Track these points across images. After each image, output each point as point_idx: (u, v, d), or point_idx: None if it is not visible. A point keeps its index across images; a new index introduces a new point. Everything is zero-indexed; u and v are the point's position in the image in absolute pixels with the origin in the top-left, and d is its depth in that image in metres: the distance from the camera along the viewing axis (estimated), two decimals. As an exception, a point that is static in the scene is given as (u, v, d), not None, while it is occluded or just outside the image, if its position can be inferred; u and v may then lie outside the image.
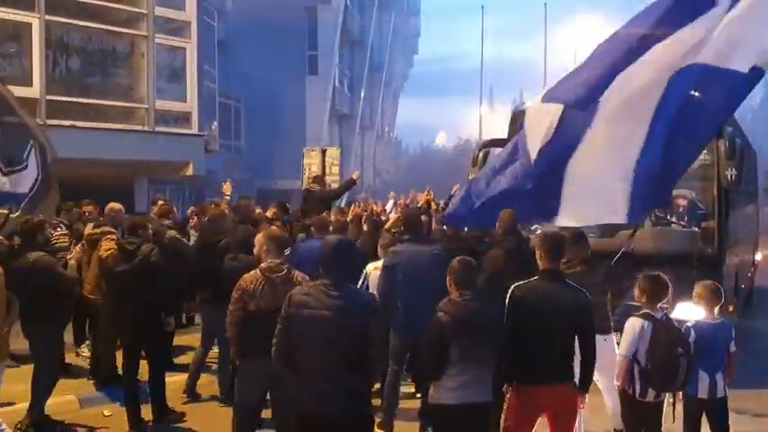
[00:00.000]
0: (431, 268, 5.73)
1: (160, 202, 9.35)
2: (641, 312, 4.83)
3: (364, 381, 3.98)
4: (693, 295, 5.19)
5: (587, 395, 4.54)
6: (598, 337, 4.75)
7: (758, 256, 14.38)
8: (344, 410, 3.81)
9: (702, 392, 4.95)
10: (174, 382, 7.11)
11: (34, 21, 12.81)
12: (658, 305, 4.85)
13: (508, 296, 4.40)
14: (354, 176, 11.27)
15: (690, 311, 5.41)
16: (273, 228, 6.34)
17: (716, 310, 5.10)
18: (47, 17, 12.92)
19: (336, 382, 3.80)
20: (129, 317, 6.18)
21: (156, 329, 6.37)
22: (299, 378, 3.91)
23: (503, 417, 4.50)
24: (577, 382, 4.45)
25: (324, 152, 14.14)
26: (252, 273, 4.86)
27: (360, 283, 6.55)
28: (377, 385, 5.73)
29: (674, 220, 8.11)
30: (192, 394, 7.15)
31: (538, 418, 4.49)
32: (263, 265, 4.88)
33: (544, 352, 4.32)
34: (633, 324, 4.75)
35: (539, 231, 7.14)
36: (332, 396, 3.80)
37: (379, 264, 6.56)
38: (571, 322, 4.37)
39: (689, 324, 5.01)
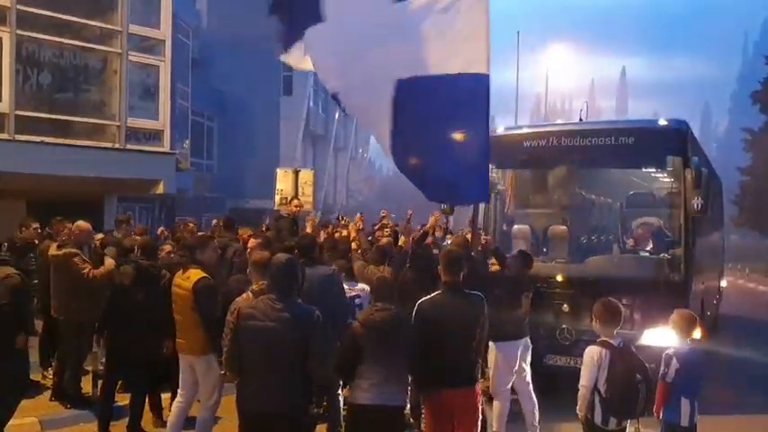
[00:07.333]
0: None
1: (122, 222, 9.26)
2: (598, 340, 4.84)
3: (305, 384, 4.30)
4: (669, 322, 5.22)
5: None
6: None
7: (723, 283, 14.66)
8: (285, 410, 4.20)
9: (684, 420, 4.95)
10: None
11: (5, 35, 12.61)
12: (614, 331, 4.84)
13: (415, 310, 4.80)
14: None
15: (664, 338, 5.45)
16: (258, 252, 6.28)
17: (690, 337, 5.16)
18: (18, 31, 12.73)
19: (278, 385, 4.18)
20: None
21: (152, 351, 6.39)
22: (245, 380, 4.31)
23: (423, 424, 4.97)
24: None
25: (297, 173, 14.08)
26: (244, 295, 4.99)
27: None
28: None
29: (641, 247, 8.25)
30: None
31: (453, 420, 4.80)
32: (254, 287, 5.02)
33: (449, 358, 4.70)
34: (591, 353, 4.77)
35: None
36: (274, 398, 4.18)
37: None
38: (469, 329, 4.78)
39: (669, 352, 5.02)
